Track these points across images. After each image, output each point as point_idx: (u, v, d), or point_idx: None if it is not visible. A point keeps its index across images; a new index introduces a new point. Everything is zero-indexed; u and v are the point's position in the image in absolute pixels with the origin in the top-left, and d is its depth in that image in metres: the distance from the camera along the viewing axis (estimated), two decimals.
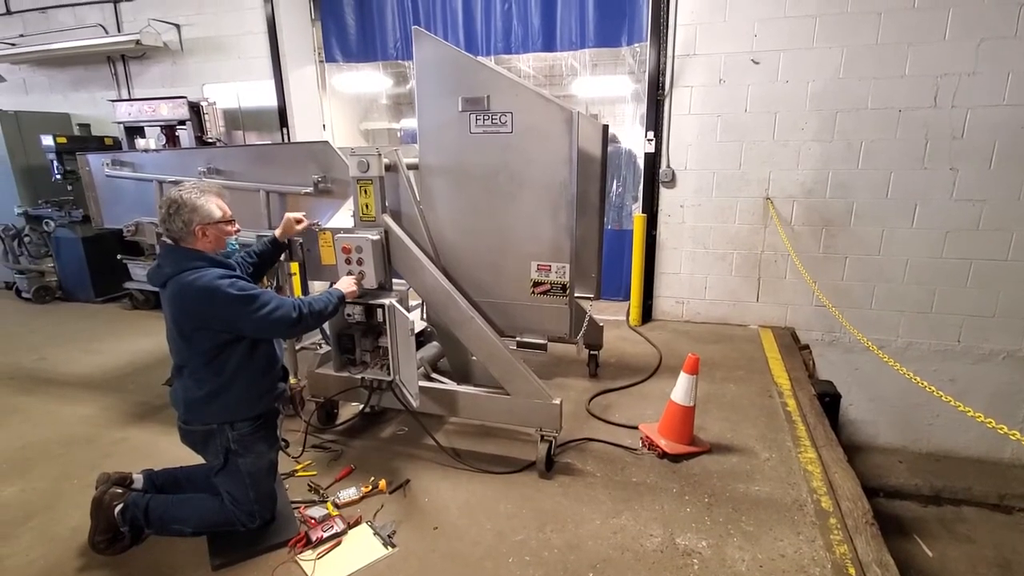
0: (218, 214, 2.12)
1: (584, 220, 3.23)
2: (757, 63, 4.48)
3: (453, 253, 2.88)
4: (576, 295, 3.01)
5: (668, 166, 4.86)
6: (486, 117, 2.62)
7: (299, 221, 2.75)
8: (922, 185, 4.36)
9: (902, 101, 4.26)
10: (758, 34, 4.43)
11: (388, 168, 2.77)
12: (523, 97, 2.60)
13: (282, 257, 2.99)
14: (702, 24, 4.54)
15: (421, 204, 2.84)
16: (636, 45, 5.02)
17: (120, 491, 2.23)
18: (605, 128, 3.43)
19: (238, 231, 2.26)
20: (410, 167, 2.82)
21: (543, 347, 2.92)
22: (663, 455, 2.91)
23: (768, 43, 4.42)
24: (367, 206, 2.75)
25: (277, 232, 2.71)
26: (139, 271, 5.57)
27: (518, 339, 2.99)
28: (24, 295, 6.23)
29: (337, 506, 2.49)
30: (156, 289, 2.19)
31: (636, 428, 3.16)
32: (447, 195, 2.81)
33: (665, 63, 4.67)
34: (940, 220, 4.38)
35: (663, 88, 4.72)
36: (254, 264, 2.60)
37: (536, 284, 2.77)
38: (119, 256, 5.63)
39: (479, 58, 3.64)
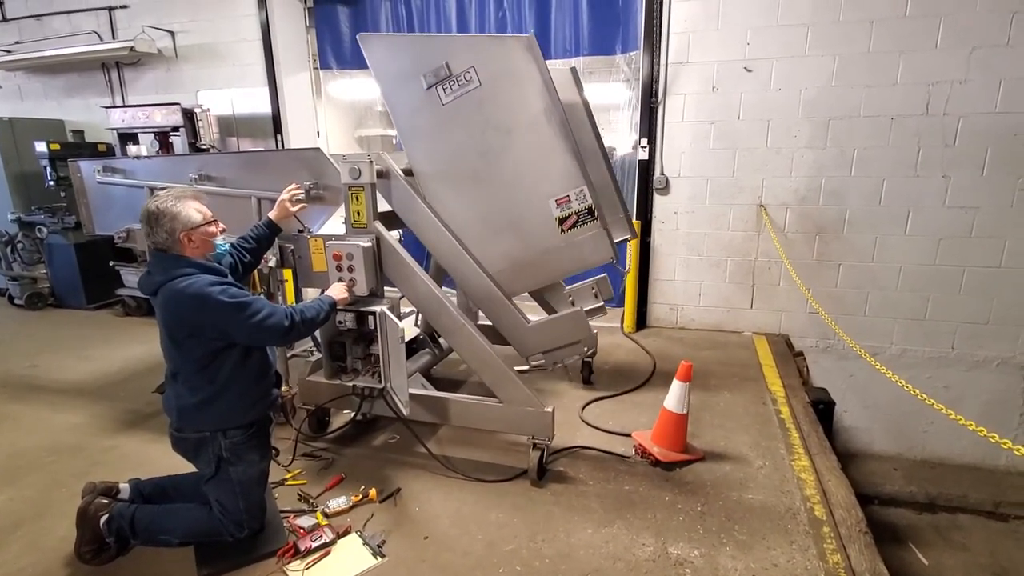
0: (198, 218, 2.10)
1: (591, 168, 3.11)
2: (750, 71, 4.50)
3: (471, 232, 2.80)
4: (617, 240, 2.88)
5: (662, 173, 4.88)
6: (451, 82, 2.59)
7: (294, 199, 2.71)
8: (915, 192, 4.38)
9: (894, 109, 4.28)
10: (751, 42, 4.45)
11: (380, 175, 2.77)
12: (478, 46, 2.59)
13: (273, 263, 2.98)
14: (695, 32, 4.56)
15: (426, 198, 2.80)
16: (630, 53, 5.04)
17: (106, 501, 2.21)
18: (573, 71, 3.40)
19: (223, 230, 2.24)
20: (405, 172, 2.82)
21: (602, 310, 2.77)
22: (656, 463, 2.90)
23: (761, 51, 4.45)
24: (359, 213, 2.74)
25: (272, 214, 2.68)
26: (131, 277, 5.54)
27: (586, 309, 2.85)
28: (16, 301, 6.20)
29: (327, 515, 2.47)
30: (148, 296, 2.17)
31: (629, 436, 3.14)
32: (445, 179, 2.77)
33: (658, 71, 4.69)
34: (933, 227, 4.40)
35: (657, 95, 4.74)
36: (251, 250, 2.57)
37: (562, 220, 2.67)
38: (111, 262, 5.60)
39: None
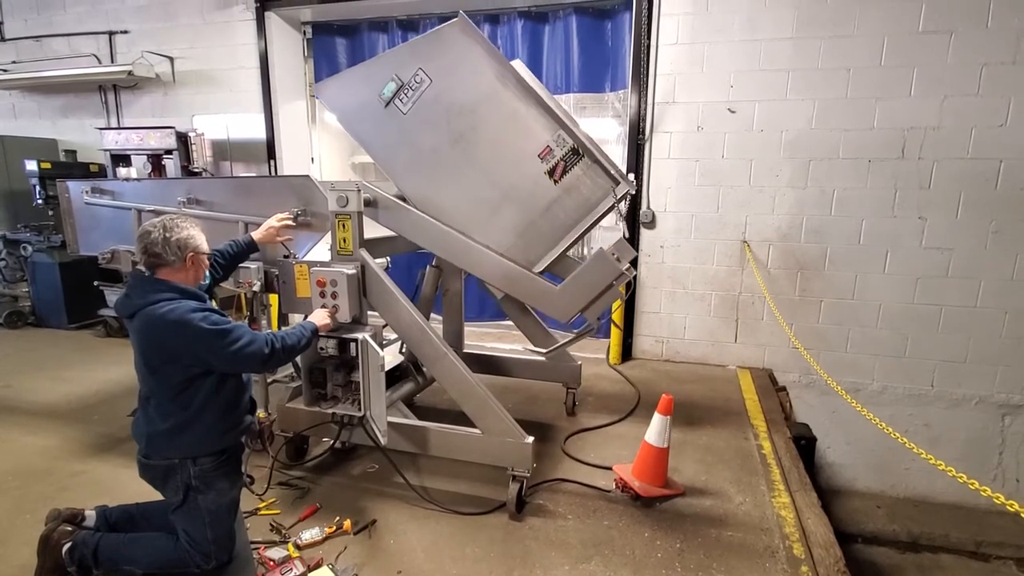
0: (206, 247, 2.17)
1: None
2: (733, 112, 4.64)
3: (471, 221, 2.80)
4: (620, 199, 2.77)
5: (648, 207, 4.97)
6: (405, 90, 2.68)
7: (283, 227, 2.75)
8: (893, 233, 4.49)
9: (872, 152, 4.43)
10: (734, 85, 4.61)
11: (368, 203, 2.81)
12: (418, 48, 2.67)
13: (257, 287, 2.98)
14: (681, 74, 4.72)
15: (424, 210, 2.83)
16: (620, 91, 5.20)
17: (70, 529, 2.14)
18: (518, 62, 3.42)
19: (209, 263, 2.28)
20: (398, 199, 2.87)
21: (628, 275, 2.74)
22: (636, 497, 2.87)
23: (744, 94, 4.60)
24: (345, 240, 2.76)
25: (256, 236, 2.70)
26: (115, 298, 5.48)
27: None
28: None
29: (298, 547, 2.41)
30: (124, 319, 2.16)
31: (610, 469, 3.12)
32: (431, 182, 2.80)
33: (646, 109, 4.82)
34: (911, 267, 4.50)
35: (644, 133, 4.86)
36: (224, 266, 2.60)
37: (551, 172, 2.65)
38: (96, 282, 5.56)
39: None
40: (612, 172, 2.70)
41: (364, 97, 2.74)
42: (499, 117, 2.68)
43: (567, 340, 3.13)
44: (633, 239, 5.03)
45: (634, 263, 5.01)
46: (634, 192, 3.25)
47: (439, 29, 2.67)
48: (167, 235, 2.05)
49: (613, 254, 3.36)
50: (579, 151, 2.64)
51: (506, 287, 2.87)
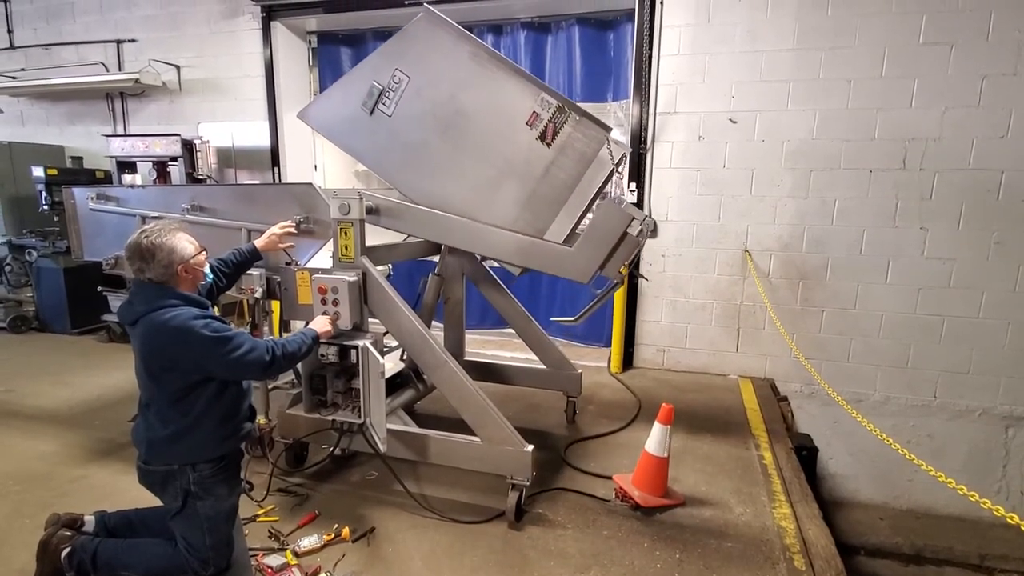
0: (191, 249, 2.12)
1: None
2: (735, 122, 4.66)
3: (474, 205, 2.80)
4: (619, 164, 2.77)
5: (650, 216, 4.97)
6: (387, 93, 2.72)
7: (285, 234, 2.77)
8: (894, 243, 4.48)
9: (873, 162, 4.43)
10: (735, 95, 4.63)
11: (370, 211, 2.83)
12: (390, 51, 2.72)
13: (259, 294, 2.99)
14: (683, 84, 4.74)
15: (426, 206, 2.85)
16: (622, 101, 5.22)
17: (69, 534, 2.15)
18: None
19: (206, 257, 2.26)
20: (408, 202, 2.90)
21: (646, 232, 2.69)
22: (636, 507, 2.86)
23: (745, 104, 4.62)
24: (346, 247, 2.78)
25: (259, 244, 2.72)
26: (118, 304, 5.51)
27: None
28: None
29: (296, 555, 2.41)
30: (127, 325, 2.16)
31: (610, 478, 3.11)
32: (430, 177, 2.83)
33: (647, 119, 4.85)
34: (912, 277, 4.49)
35: (645, 142, 4.88)
36: (228, 275, 2.59)
37: (542, 136, 2.66)
38: (100, 288, 5.59)
39: None
40: (602, 122, 2.70)
41: (348, 111, 2.78)
42: (482, 95, 2.71)
43: (596, 300, 3.06)
44: None
45: (635, 271, 5.06)
46: (628, 154, 3.20)
47: (406, 28, 2.71)
48: (146, 260, 2.01)
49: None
50: (565, 108, 2.64)
51: (520, 260, 2.85)
